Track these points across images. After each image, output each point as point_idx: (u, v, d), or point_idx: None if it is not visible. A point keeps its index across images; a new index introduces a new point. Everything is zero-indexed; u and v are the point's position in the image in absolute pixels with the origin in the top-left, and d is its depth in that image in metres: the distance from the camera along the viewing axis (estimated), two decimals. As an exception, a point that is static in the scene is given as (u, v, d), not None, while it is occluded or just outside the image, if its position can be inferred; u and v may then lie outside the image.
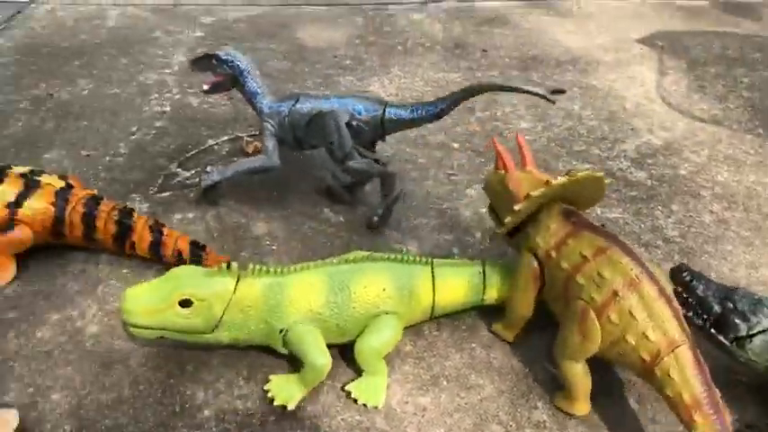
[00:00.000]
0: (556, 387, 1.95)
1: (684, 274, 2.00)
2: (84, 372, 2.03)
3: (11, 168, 2.39)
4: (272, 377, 2.00)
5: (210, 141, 3.11)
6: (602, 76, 3.74)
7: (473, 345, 2.13)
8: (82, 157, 2.98)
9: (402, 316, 2.03)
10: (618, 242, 1.83)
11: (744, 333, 1.86)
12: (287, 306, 1.96)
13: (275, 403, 1.92)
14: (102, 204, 2.37)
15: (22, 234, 2.32)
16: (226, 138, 3.14)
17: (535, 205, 1.98)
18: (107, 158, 2.98)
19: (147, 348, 2.10)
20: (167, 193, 2.77)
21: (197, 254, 2.36)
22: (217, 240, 2.53)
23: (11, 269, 2.36)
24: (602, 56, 3.98)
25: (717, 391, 1.66)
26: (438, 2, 4.63)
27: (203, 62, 2.63)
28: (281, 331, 1.96)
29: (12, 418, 1.82)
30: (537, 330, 2.09)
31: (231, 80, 2.63)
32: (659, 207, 2.73)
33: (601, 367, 1.90)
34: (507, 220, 2.01)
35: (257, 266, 1.99)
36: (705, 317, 1.92)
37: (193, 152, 3.03)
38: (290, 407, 1.91)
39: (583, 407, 1.89)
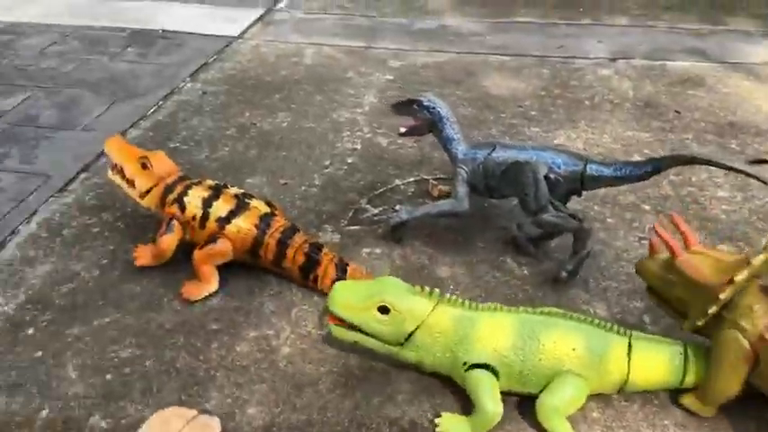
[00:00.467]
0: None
1: None
2: (277, 390, 2.14)
3: (227, 188, 2.61)
4: (443, 414, 2.02)
5: (397, 181, 3.22)
6: (810, 149, 3.49)
7: (665, 422, 2.02)
8: (280, 185, 3.18)
9: (588, 381, 1.98)
10: None
11: None
12: (474, 341, 1.99)
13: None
14: (297, 236, 2.52)
15: (223, 247, 2.51)
16: (412, 179, 3.23)
17: (738, 290, 1.87)
18: (302, 188, 3.16)
19: (336, 376, 2.18)
20: (357, 227, 2.89)
21: None
22: (401, 279, 2.57)
23: (214, 281, 2.54)
24: (809, 126, 3.72)
25: None
26: (627, 59, 4.54)
27: (405, 107, 2.73)
28: (464, 364, 1.99)
29: (215, 425, 1.95)
30: (735, 407, 1.95)
31: (429, 125, 2.71)
32: None
33: None
34: (711, 310, 1.90)
35: (454, 297, 2.08)
36: None
37: (381, 190, 3.15)
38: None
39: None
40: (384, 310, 2.00)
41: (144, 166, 2.68)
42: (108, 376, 2.20)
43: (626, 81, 4.23)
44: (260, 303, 2.49)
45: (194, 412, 1.97)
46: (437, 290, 2.07)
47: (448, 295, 2.08)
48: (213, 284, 2.54)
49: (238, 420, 2.04)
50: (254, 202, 2.58)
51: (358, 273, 2.51)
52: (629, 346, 2.01)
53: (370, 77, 4.31)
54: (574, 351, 1.97)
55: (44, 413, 2.08)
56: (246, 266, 2.60)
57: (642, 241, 2.78)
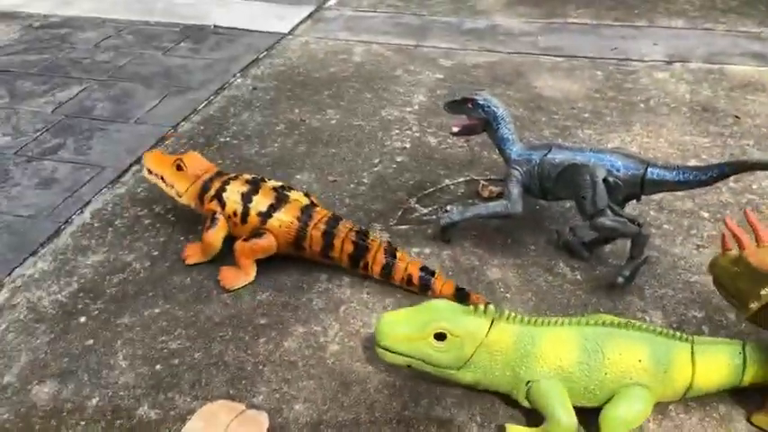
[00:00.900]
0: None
1: None
2: (324, 388, 2.12)
3: (265, 181, 2.62)
4: (508, 426, 1.96)
5: (447, 181, 3.17)
6: None
7: (726, 437, 1.95)
8: (329, 182, 3.17)
9: (654, 391, 1.92)
10: None
11: None
12: (537, 358, 1.92)
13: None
14: (342, 224, 2.51)
15: (267, 242, 2.51)
16: (461, 179, 3.18)
17: None
18: (351, 186, 3.14)
19: (385, 375, 2.16)
20: (406, 227, 2.86)
21: (426, 279, 2.42)
22: (452, 280, 2.54)
23: (252, 272, 2.55)
24: None
25: None
26: (684, 62, 4.41)
27: (459, 105, 2.67)
28: (527, 383, 1.92)
29: (263, 420, 1.94)
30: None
31: (483, 125, 2.65)
32: None
33: None
34: (765, 291, 1.85)
35: (512, 313, 1.98)
36: None
37: (431, 189, 3.11)
38: (526, 464, 1.87)
39: None
40: (440, 336, 1.91)
41: (179, 168, 2.72)
42: (157, 367, 2.21)
43: (683, 84, 4.12)
44: (308, 300, 2.48)
45: (242, 407, 1.97)
46: (491, 306, 1.98)
47: (505, 311, 1.99)
48: (251, 275, 2.55)
49: (285, 416, 2.03)
50: (293, 195, 2.59)
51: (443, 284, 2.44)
52: (692, 351, 1.94)
53: (419, 76, 4.28)
54: (640, 363, 1.91)
55: (94, 401, 2.10)
56: (294, 262, 2.60)
57: (701, 249, 2.70)
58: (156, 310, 2.44)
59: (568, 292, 2.50)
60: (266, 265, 2.59)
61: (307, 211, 2.52)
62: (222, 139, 3.56)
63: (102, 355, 2.27)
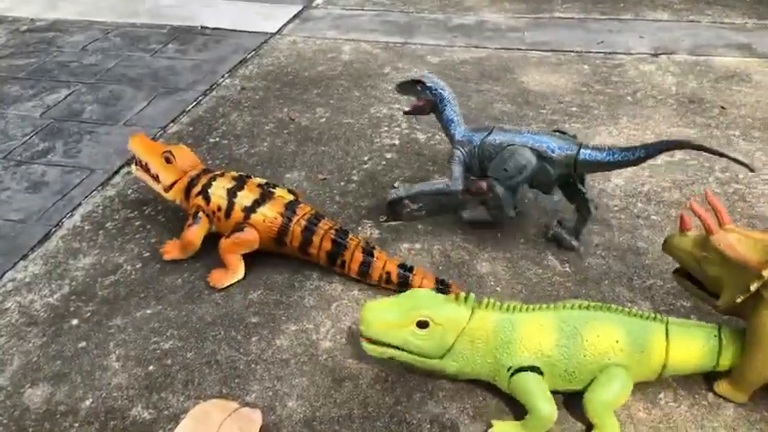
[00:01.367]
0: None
1: None
2: (317, 384, 2.14)
3: (250, 178, 2.64)
4: (494, 422, 1.98)
5: (436, 176, 3.19)
6: None
7: (715, 425, 1.97)
8: (318, 181, 3.18)
9: (632, 371, 1.96)
10: None
11: None
12: (517, 344, 1.95)
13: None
14: (322, 222, 2.53)
15: (250, 236, 2.53)
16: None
17: None
18: (341, 183, 3.15)
19: (377, 371, 2.17)
20: (396, 223, 2.87)
21: (405, 276, 2.45)
22: (441, 274, 2.56)
23: (240, 269, 2.57)
24: None
25: None
26: (670, 54, 4.44)
27: (409, 86, 2.76)
28: (508, 369, 1.95)
29: (257, 418, 1.95)
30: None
31: (431, 106, 2.74)
32: None
33: None
34: (753, 286, 1.86)
35: (491, 300, 2.01)
36: None
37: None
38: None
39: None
40: (423, 324, 1.93)
41: (167, 161, 2.72)
42: (150, 367, 2.22)
43: (669, 76, 4.14)
44: (300, 297, 2.49)
45: (236, 405, 1.98)
46: (471, 294, 2.00)
47: (484, 299, 2.02)
48: (239, 272, 2.56)
49: (279, 413, 2.04)
50: (278, 191, 2.60)
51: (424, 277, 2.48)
52: (667, 331, 1.98)
53: (407, 73, 4.28)
54: (617, 343, 1.94)
55: (87, 402, 2.11)
56: (286, 260, 2.61)
57: (688, 239, 2.72)
58: (149, 311, 2.45)
59: (558, 284, 2.52)
60: (257, 263, 2.61)
61: (291, 207, 2.55)
62: (212, 140, 3.57)
63: (95, 357, 2.27)
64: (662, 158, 3.27)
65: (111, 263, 2.70)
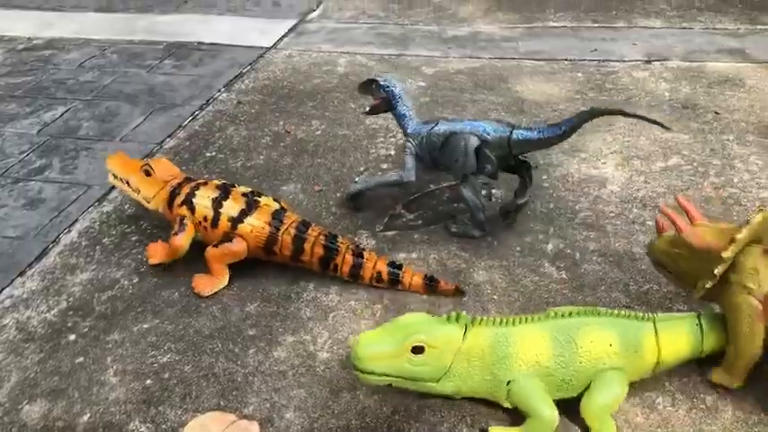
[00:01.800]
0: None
1: None
2: (315, 396, 2.14)
3: (235, 187, 2.66)
4: (492, 429, 1.98)
5: (432, 186, 3.19)
6: None
7: (713, 428, 1.97)
8: (315, 192, 3.19)
9: (626, 371, 1.97)
10: None
11: None
12: (514, 358, 1.94)
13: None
14: (311, 229, 2.55)
15: (238, 247, 2.54)
16: (446, 184, 3.20)
17: (740, 248, 1.94)
18: (338, 194, 3.16)
19: (374, 381, 2.16)
20: (393, 232, 2.88)
21: (395, 274, 2.50)
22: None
23: (225, 277, 2.59)
24: None
25: None
26: (663, 60, 4.46)
27: (367, 86, 2.94)
28: (507, 383, 1.94)
29: (255, 429, 1.95)
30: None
31: (386, 103, 2.89)
32: None
33: None
34: (717, 270, 1.95)
35: (483, 317, 2.00)
36: None
37: (416, 195, 3.13)
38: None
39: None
40: (418, 350, 1.88)
41: (147, 173, 2.75)
42: (148, 381, 2.22)
43: (662, 83, 4.16)
44: (297, 309, 2.49)
45: (233, 417, 1.98)
46: (463, 312, 1.99)
47: (477, 316, 2.01)
48: (224, 280, 2.58)
49: (277, 425, 2.04)
50: (263, 200, 2.63)
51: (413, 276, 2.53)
52: (655, 328, 2.01)
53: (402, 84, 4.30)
54: (611, 347, 1.96)
55: (85, 418, 2.11)
56: (282, 271, 2.62)
57: (684, 244, 2.72)
58: (146, 326, 2.45)
59: (554, 291, 2.53)
60: (254, 275, 2.62)
61: (278, 216, 2.56)
62: (208, 154, 3.58)
63: (93, 372, 2.27)
64: (657, 164, 3.28)
65: (108, 278, 2.70)
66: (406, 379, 1.93)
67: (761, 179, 3.12)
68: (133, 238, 2.93)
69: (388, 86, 2.87)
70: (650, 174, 3.21)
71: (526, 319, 2.01)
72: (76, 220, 3.08)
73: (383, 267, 2.51)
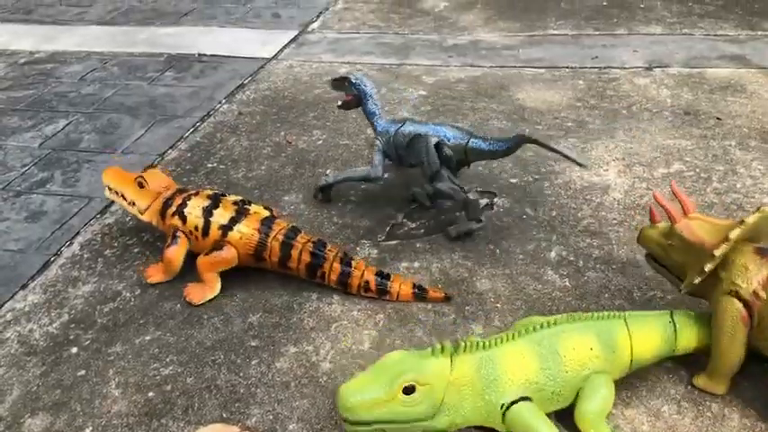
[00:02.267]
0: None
1: None
2: (318, 406, 2.12)
3: (225, 196, 2.67)
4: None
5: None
6: None
7: (720, 435, 1.95)
8: (317, 202, 3.18)
9: (610, 373, 1.98)
10: None
11: None
12: (503, 379, 1.90)
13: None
14: (300, 236, 2.56)
15: (228, 254, 2.55)
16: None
17: (731, 247, 1.95)
18: (339, 204, 3.15)
19: (377, 392, 2.15)
20: (394, 242, 2.87)
21: (383, 284, 2.51)
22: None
23: (216, 286, 2.59)
24: None
25: None
26: (664, 67, 4.46)
27: (339, 83, 3.07)
28: (501, 407, 1.90)
29: (257, 441, 1.93)
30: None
31: (357, 100, 3.03)
32: None
33: None
34: (707, 266, 1.96)
35: (466, 342, 1.93)
36: None
37: (418, 204, 3.12)
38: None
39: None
40: (409, 390, 1.80)
41: (140, 185, 2.76)
42: (150, 394, 2.21)
43: (664, 89, 4.16)
44: (299, 319, 2.48)
45: (236, 429, 1.96)
46: (447, 342, 1.91)
47: (460, 343, 1.93)
48: (216, 289, 2.58)
49: (280, 437, 2.03)
50: (253, 208, 2.64)
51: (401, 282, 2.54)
52: (627, 326, 2.02)
53: (403, 93, 4.31)
54: (592, 350, 1.96)
55: (87, 431, 2.10)
56: (283, 282, 2.61)
57: (687, 250, 2.71)
58: (148, 338, 2.44)
59: (558, 299, 2.51)
60: (256, 286, 2.62)
61: (267, 223, 2.57)
62: (210, 165, 3.58)
63: (95, 385, 2.26)
64: (659, 171, 3.28)
65: (110, 290, 2.70)
66: (400, 423, 1.83)
67: (764, 184, 3.11)
68: (135, 250, 2.92)
69: (359, 84, 3.00)
70: (653, 180, 3.20)
71: (506, 337, 1.97)
72: (78, 233, 3.08)
73: (371, 277, 2.51)
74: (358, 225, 3.00)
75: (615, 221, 2.92)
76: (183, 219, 2.60)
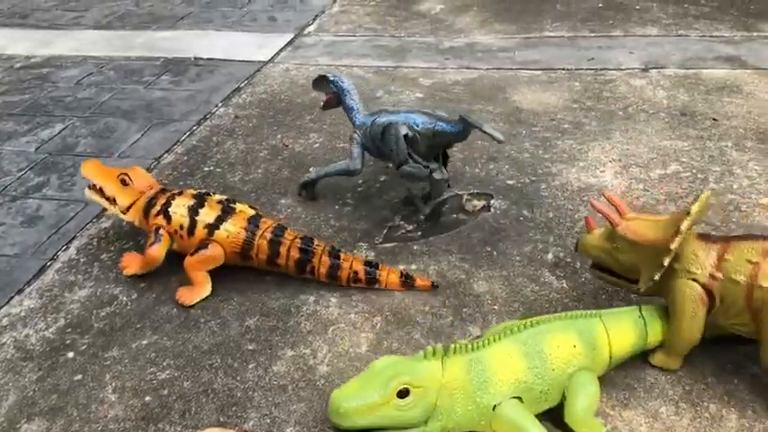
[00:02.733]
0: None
1: None
2: (315, 410, 2.12)
3: (210, 195, 2.67)
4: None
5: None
6: None
7: (718, 436, 1.95)
8: (313, 205, 3.18)
9: (594, 370, 2.00)
10: None
11: None
12: (494, 380, 1.91)
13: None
14: (287, 233, 2.57)
15: (215, 252, 2.56)
16: (445, 194, 3.18)
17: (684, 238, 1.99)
18: (336, 207, 3.15)
19: (375, 394, 2.14)
20: (391, 244, 2.87)
21: (372, 273, 2.54)
22: (438, 294, 2.56)
23: (207, 285, 2.59)
24: None
25: None
26: (660, 68, 4.47)
27: (319, 83, 3.12)
28: (493, 408, 1.90)
29: (254, 445, 1.93)
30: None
31: (337, 99, 3.08)
32: None
33: None
34: (665, 261, 1.99)
35: (453, 345, 1.96)
36: None
37: (414, 207, 3.11)
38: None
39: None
40: (404, 393, 1.82)
41: (123, 183, 2.75)
42: (147, 398, 2.20)
43: (660, 90, 4.17)
44: (296, 323, 2.48)
45: (233, 433, 1.96)
46: (437, 346, 1.93)
47: (450, 346, 1.95)
48: (206, 289, 2.58)
49: (277, 440, 2.02)
50: (239, 206, 2.64)
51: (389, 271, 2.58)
52: (603, 323, 2.05)
53: (400, 96, 4.31)
54: (575, 348, 1.99)
55: (84, 436, 2.08)
56: (280, 285, 2.61)
57: (684, 251, 2.71)
58: (144, 342, 2.44)
59: (555, 300, 2.51)
60: (253, 289, 2.61)
61: (253, 221, 2.58)
62: (206, 168, 3.58)
63: (91, 390, 2.25)
64: (656, 172, 3.28)
65: (106, 294, 2.69)
66: (394, 428, 1.85)
67: (760, 185, 3.11)
68: (131, 254, 2.91)
69: (337, 81, 3.06)
70: (649, 181, 3.20)
71: (493, 338, 1.98)
72: (75, 237, 3.07)
73: (359, 267, 2.54)
74: (355, 228, 3.00)
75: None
76: (168, 218, 2.60)
